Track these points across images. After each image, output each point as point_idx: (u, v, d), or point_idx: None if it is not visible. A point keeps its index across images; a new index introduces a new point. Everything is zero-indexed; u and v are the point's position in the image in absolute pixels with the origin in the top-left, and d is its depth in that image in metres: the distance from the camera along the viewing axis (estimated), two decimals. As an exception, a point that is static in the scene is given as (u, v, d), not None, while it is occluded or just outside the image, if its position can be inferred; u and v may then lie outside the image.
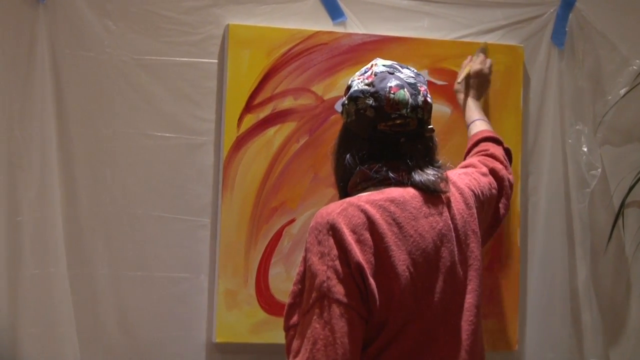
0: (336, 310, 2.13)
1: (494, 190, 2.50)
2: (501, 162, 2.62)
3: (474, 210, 2.37)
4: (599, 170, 3.29)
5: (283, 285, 3.02)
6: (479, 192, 2.43)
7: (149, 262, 3.01)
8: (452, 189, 2.35)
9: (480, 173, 2.51)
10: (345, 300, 2.13)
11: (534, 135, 3.31)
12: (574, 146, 3.30)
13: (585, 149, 3.29)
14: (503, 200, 2.55)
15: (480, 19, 3.27)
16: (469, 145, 2.77)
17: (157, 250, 3.01)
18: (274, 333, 2.96)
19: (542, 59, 3.31)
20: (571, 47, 3.33)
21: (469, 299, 2.29)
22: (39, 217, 2.91)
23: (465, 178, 2.44)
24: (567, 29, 3.32)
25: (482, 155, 2.65)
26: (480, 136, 2.73)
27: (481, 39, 3.25)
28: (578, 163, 3.29)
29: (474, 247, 2.33)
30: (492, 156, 2.64)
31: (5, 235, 2.89)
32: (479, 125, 2.86)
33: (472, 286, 2.31)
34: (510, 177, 2.62)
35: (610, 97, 3.35)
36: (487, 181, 2.49)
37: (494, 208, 2.51)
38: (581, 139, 3.30)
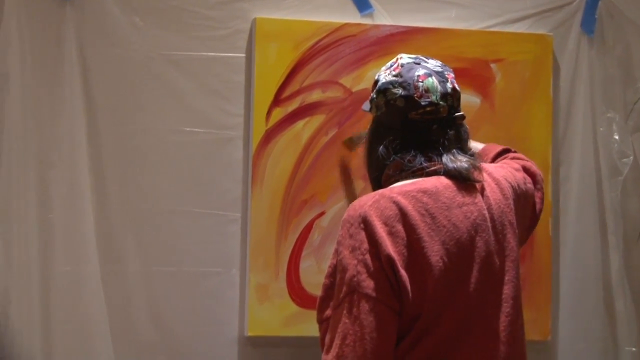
0: (365, 305, 2.12)
1: (529, 185, 2.49)
2: (528, 161, 2.61)
3: (511, 202, 2.35)
4: (631, 158, 3.27)
5: (314, 278, 3.02)
6: (516, 185, 2.41)
7: (180, 257, 3.01)
8: (488, 178, 2.34)
9: (514, 168, 2.50)
10: (374, 294, 2.12)
11: (565, 124, 3.29)
12: (605, 134, 3.28)
13: (617, 137, 3.28)
14: (539, 194, 2.54)
15: (509, 7, 3.26)
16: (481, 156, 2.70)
17: (188, 245, 3.02)
18: (306, 326, 2.97)
19: (572, 47, 3.30)
20: (601, 34, 3.31)
21: (506, 290, 2.28)
22: (70, 215, 2.93)
23: (501, 170, 2.43)
24: (596, 16, 3.29)
25: (508, 159, 2.64)
26: (493, 152, 2.70)
27: (509, 28, 3.24)
28: (609, 151, 3.27)
29: (510, 238, 2.31)
30: (517, 157, 2.63)
31: (37, 233, 2.91)
32: (476, 144, 2.79)
33: (509, 277, 2.29)
34: (540, 172, 2.60)
35: (640, 84, 3.33)
36: (521, 176, 2.48)
37: (532, 203, 2.50)
38: (612, 126, 3.28)
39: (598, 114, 3.28)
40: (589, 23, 3.29)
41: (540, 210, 2.53)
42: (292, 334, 3.03)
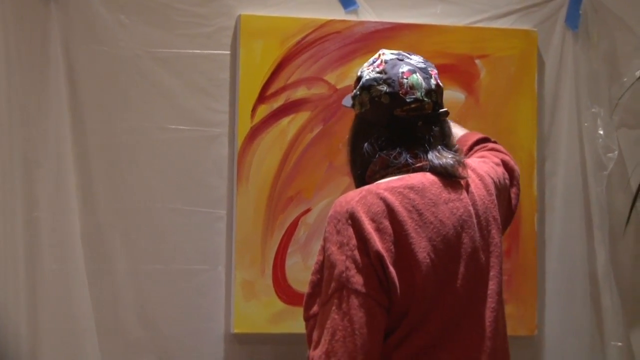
0: (355, 300, 2.12)
1: (506, 180, 2.50)
2: (506, 154, 2.61)
3: (494, 197, 2.36)
4: (616, 152, 3.28)
5: (300, 275, 3.02)
6: (497, 180, 2.42)
7: (167, 255, 3.01)
8: (472, 174, 2.34)
9: (494, 163, 2.50)
10: (364, 290, 2.12)
11: (550, 120, 3.30)
12: (590, 129, 3.28)
13: (602, 132, 3.28)
14: (514, 190, 2.54)
15: (494, 3, 3.26)
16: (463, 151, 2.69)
17: (174, 243, 3.01)
18: (292, 323, 2.97)
19: (557, 42, 3.30)
20: (585, 29, 3.31)
21: (491, 286, 2.28)
22: (56, 213, 2.92)
23: (484, 166, 2.44)
24: (580, 12, 3.30)
25: (487, 150, 2.64)
26: (471, 140, 2.70)
27: (494, 24, 3.24)
28: (594, 146, 3.28)
29: (495, 234, 2.32)
30: (496, 149, 2.63)
31: (23, 231, 2.90)
32: (458, 129, 2.76)
33: (493, 272, 2.30)
34: (517, 168, 2.61)
35: (625, 79, 3.33)
36: (500, 171, 2.49)
37: (508, 199, 2.51)
38: (597, 121, 3.29)
39: (583, 109, 3.29)
40: (573, 18, 3.29)
41: (516, 206, 2.54)
42: (278, 331, 3.02)
